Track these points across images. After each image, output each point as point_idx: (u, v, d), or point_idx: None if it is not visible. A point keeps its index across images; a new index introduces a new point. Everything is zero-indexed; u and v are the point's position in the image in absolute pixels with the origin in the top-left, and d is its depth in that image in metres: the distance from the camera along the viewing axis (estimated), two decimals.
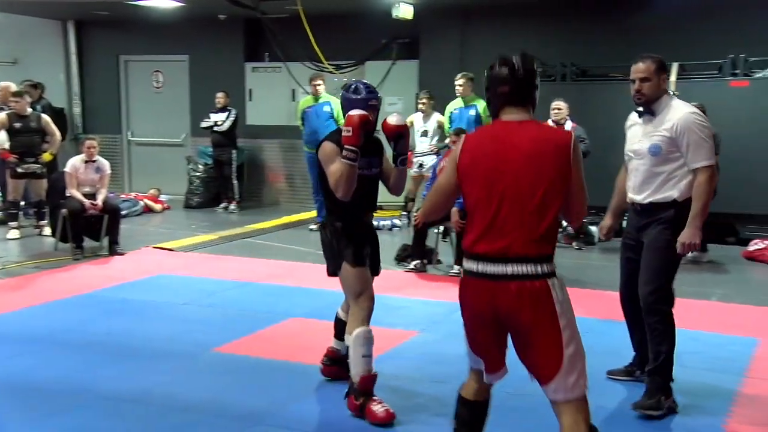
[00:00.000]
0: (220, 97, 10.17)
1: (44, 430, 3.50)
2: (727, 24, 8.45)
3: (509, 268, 2.46)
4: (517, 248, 2.46)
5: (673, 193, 3.66)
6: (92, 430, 3.51)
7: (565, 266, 6.95)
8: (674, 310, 4.08)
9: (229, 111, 10.15)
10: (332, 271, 3.84)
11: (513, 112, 2.61)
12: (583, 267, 7.14)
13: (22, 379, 4.08)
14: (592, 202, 9.30)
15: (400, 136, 3.63)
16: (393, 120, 3.60)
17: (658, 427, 3.59)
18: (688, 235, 3.61)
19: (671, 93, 3.86)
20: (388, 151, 3.83)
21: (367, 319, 3.65)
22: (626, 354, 4.42)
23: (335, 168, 3.52)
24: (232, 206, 10.28)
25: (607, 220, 4.13)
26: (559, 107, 7.63)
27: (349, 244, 3.69)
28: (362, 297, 3.67)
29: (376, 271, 3.90)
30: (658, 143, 3.67)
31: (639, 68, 3.72)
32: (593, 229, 8.17)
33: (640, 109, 3.79)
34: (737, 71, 7.96)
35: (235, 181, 10.30)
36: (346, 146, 3.48)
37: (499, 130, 2.63)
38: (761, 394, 3.95)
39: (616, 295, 5.91)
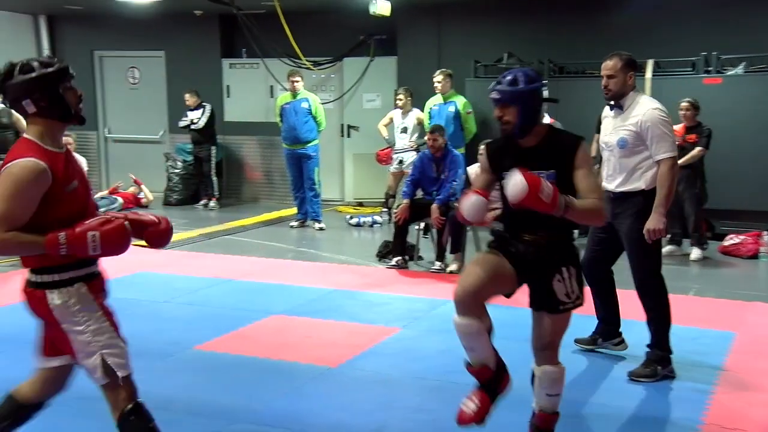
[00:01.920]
0: (188, 98, 10.06)
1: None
2: (701, 21, 8.56)
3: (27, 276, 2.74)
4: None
5: (640, 183, 3.97)
6: (65, 429, 3.46)
7: None
8: None
9: (204, 107, 10.07)
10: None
11: None
12: None
13: None
14: None
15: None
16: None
17: (634, 422, 3.63)
18: (653, 222, 3.91)
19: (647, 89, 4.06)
20: None
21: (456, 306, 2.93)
22: None
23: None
24: (212, 203, 10.22)
25: None
26: None
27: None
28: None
29: (544, 305, 2.93)
30: (625, 137, 3.98)
31: (607, 65, 4.07)
32: None
33: (612, 102, 4.09)
34: (710, 68, 8.07)
35: (214, 178, 10.23)
36: None
37: None
38: (738, 387, 4.01)
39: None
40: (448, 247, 6.66)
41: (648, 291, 4.10)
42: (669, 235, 7.40)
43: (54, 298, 2.70)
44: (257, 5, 9.47)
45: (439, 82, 8.33)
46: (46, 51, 11.50)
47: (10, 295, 5.80)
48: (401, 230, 6.81)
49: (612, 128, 4.08)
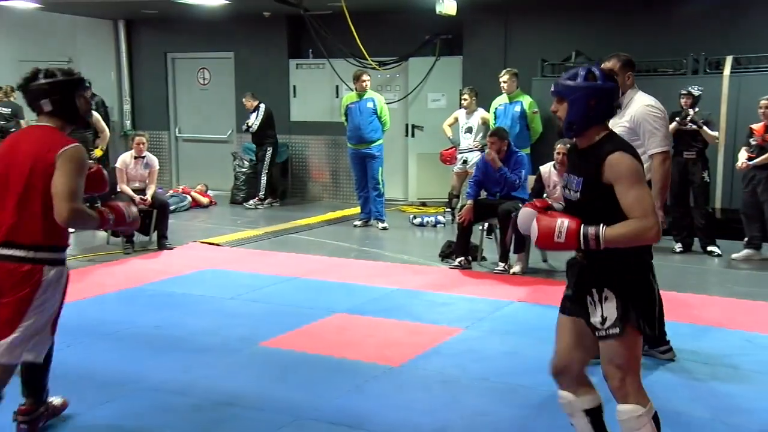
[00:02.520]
0: (245, 102, 10.21)
1: (92, 419, 3.59)
2: None
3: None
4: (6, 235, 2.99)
5: None
6: (138, 420, 3.58)
7: None
8: (727, 311, 4.00)
9: (258, 109, 10.19)
10: None
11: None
12: None
13: (73, 369, 4.18)
14: None
15: None
16: None
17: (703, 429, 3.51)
18: None
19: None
20: None
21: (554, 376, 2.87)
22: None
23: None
24: (251, 202, 10.24)
25: None
26: None
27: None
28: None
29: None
30: (620, 133, 4.10)
31: (605, 66, 4.20)
32: None
33: None
34: None
35: (263, 179, 10.19)
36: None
37: (20, 133, 3.28)
38: None
39: (672, 294, 5.86)
40: (512, 248, 6.58)
41: None
42: (746, 238, 7.13)
43: (50, 273, 3.03)
44: (324, 6, 9.57)
45: (505, 81, 8.24)
46: (123, 53, 11.94)
47: (86, 289, 6.06)
48: (465, 230, 6.77)
49: (611, 126, 4.18)
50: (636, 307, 2.60)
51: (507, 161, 6.72)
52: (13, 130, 11.24)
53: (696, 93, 7.14)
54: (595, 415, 2.77)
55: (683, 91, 7.22)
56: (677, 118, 7.21)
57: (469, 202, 6.74)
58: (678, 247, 7.49)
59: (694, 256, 7.33)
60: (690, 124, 7.11)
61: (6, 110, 11.31)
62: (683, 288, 6.09)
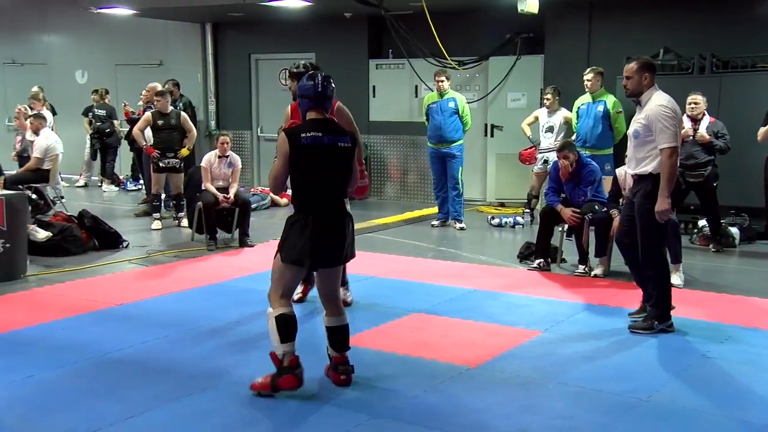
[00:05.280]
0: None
1: (174, 410, 3.71)
2: None
3: None
4: None
5: (648, 168, 4.67)
6: (218, 412, 3.68)
7: (698, 268, 6.58)
8: None
9: None
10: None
11: None
12: (719, 270, 6.70)
13: (157, 361, 4.35)
14: (732, 202, 8.76)
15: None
16: None
17: None
18: (658, 204, 4.58)
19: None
20: None
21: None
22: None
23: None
24: None
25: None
26: (696, 101, 7.24)
27: None
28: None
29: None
30: (638, 129, 4.69)
31: (626, 67, 4.79)
32: (733, 230, 7.66)
33: (634, 99, 4.80)
34: None
35: None
36: None
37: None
38: None
39: (757, 300, 5.60)
40: (593, 251, 6.41)
41: (650, 261, 4.74)
42: None
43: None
44: (405, 6, 9.60)
45: (588, 80, 8.05)
46: (210, 55, 12.34)
47: (171, 285, 6.29)
48: (545, 231, 6.64)
49: (633, 121, 4.77)
50: (286, 244, 3.83)
51: (578, 174, 6.52)
52: (108, 131, 11.88)
53: None
54: (333, 331, 4.00)
55: None
56: None
57: (559, 206, 6.57)
58: None
59: None
60: None
61: (102, 112, 11.89)
62: None
